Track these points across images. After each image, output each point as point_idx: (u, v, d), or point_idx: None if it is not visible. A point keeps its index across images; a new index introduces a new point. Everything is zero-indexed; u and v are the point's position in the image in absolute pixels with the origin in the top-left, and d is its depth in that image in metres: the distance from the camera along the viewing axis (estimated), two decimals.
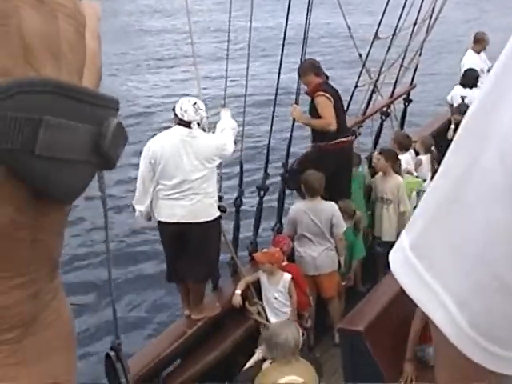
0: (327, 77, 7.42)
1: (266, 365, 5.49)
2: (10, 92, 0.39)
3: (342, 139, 7.32)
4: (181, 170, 5.95)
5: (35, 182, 0.41)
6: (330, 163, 7.19)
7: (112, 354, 2.00)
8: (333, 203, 6.87)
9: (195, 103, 6.01)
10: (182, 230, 6.07)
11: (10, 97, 0.39)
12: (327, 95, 7.13)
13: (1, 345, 0.43)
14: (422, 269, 0.65)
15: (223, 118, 6.36)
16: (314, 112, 7.23)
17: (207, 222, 6.07)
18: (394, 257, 0.70)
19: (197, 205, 6.02)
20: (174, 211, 6.03)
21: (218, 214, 6.17)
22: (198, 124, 5.99)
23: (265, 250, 6.64)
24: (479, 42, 10.78)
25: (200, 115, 5.98)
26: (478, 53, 10.73)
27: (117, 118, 0.46)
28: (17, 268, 0.42)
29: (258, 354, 5.46)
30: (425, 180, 8.42)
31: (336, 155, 7.29)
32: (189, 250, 6.14)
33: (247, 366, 5.84)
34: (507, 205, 0.59)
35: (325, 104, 7.12)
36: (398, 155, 7.85)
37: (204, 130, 6.09)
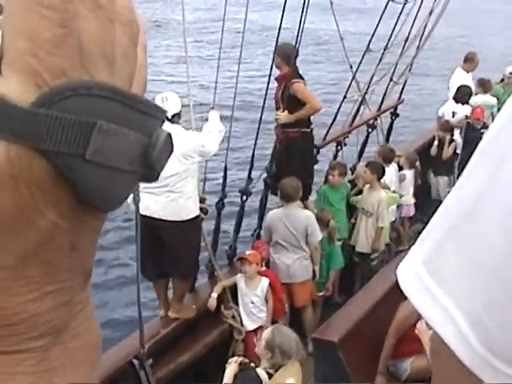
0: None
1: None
2: (66, 94, 0.38)
3: (311, 127, 7.53)
4: None
5: (82, 188, 0.40)
6: (297, 149, 7.39)
7: (136, 362, 2.00)
8: (309, 212, 6.89)
9: (165, 97, 6.00)
10: (156, 225, 6.03)
11: (65, 98, 0.38)
12: (302, 81, 7.25)
13: (29, 352, 0.42)
14: (434, 285, 0.63)
15: (211, 120, 6.34)
16: (290, 98, 7.20)
17: (182, 221, 6.03)
18: (403, 272, 0.67)
19: (171, 203, 5.98)
20: (149, 205, 5.97)
21: (194, 214, 6.11)
22: (168, 118, 5.90)
23: (248, 252, 6.61)
24: (469, 62, 10.85)
25: (165, 108, 5.88)
26: (468, 72, 10.80)
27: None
28: (53, 274, 0.42)
29: (234, 367, 5.27)
30: (401, 196, 8.50)
31: (303, 142, 7.49)
32: (165, 247, 6.12)
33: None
34: None
35: (304, 88, 7.27)
36: (384, 169, 7.89)
37: (189, 125, 6.04)
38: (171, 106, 5.94)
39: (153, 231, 6.04)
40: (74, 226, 0.42)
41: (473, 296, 0.61)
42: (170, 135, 0.45)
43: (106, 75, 0.41)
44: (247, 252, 6.60)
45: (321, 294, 7.27)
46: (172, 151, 0.46)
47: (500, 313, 0.60)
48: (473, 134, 9.25)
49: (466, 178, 0.66)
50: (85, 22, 0.40)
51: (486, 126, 9.07)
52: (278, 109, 7.39)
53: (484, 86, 10.59)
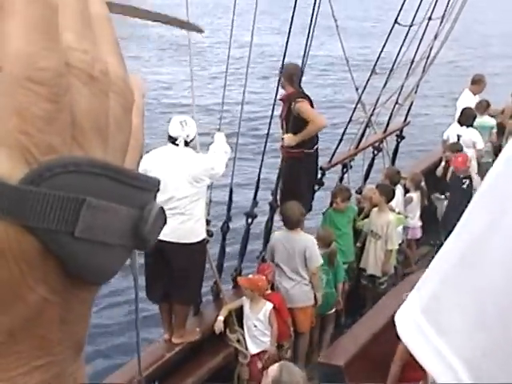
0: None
1: None
2: (55, 171, 0.38)
3: (315, 147, 7.57)
4: (167, 187, 5.93)
5: (71, 264, 0.40)
6: (303, 169, 7.48)
7: None
8: (310, 236, 6.85)
9: (184, 120, 6.03)
10: (164, 248, 6.01)
11: (54, 175, 0.38)
12: (305, 101, 7.28)
13: None
14: (434, 334, 0.62)
15: (217, 141, 6.35)
16: (294, 119, 7.24)
17: (190, 244, 6.03)
18: (401, 319, 0.67)
19: (181, 225, 5.97)
20: None
21: (202, 236, 6.13)
22: (186, 142, 5.96)
23: (250, 275, 6.60)
24: (477, 84, 10.86)
25: (186, 132, 5.95)
26: (475, 94, 10.80)
27: (156, 199, 0.45)
28: (43, 348, 0.41)
29: None
30: (406, 217, 8.48)
31: (308, 161, 7.57)
32: (173, 271, 6.10)
33: None
34: None
35: (307, 107, 7.28)
36: (394, 192, 7.90)
37: (194, 149, 6.09)
38: (191, 129, 5.99)
39: (161, 254, 6.03)
40: (64, 300, 0.41)
41: (473, 344, 0.60)
42: (162, 208, 0.45)
43: (98, 148, 0.41)
44: (249, 276, 6.59)
45: (332, 311, 7.24)
46: (165, 222, 0.46)
47: (502, 358, 0.59)
48: (455, 183, 8.93)
49: (464, 223, 0.65)
50: (78, 96, 0.40)
51: (468, 177, 8.84)
52: (282, 128, 7.41)
53: (481, 107, 10.53)
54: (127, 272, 0.48)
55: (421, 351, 0.63)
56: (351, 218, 7.95)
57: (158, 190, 0.46)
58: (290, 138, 7.30)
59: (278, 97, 7.43)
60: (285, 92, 7.41)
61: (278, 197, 7.54)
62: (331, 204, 7.95)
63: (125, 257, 0.43)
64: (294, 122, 7.25)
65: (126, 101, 0.43)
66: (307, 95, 7.42)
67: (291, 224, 6.73)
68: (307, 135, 7.29)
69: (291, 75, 7.29)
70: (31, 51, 0.38)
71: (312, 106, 7.40)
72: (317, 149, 7.65)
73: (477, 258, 0.61)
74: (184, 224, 5.98)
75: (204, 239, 6.19)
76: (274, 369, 5.12)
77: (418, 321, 0.64)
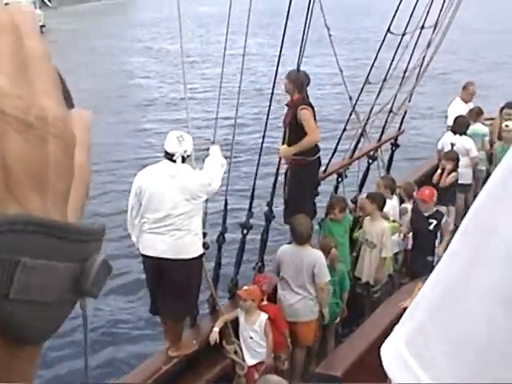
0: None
1: None
2: None
3: (317, 155, 7.61)
4: (164, 204, 5.90)
5: (8, 327, 0.38)
6: (305, 177, 7.52)
7: None
8: (319, 252, 6.82)
9: (180, 136, 5.98)
10: (162, 265, 6.01)
11: None
12: (310, 109, 7.30)
13: None
14: (418, 368, 0.62)
15: (212, 154, 6.32)
16: (297, 126, 7.28)
17: (189, 259, 6.00)
18: (387, 352, 0.67)
19: (178, 241, 5.95)
20: (156, 245, 5.98)
21: (199, 252, 6.10)
22: (183, 158, 5.94)
23: (245, 287, 6.59)
24: (466, 90, 10.87)
25: (183, 147, 5.90)
26: (466, 102, 10.81)
27: (101, 248, 0.43)
28: None
29: None
30: (401, 225, 8.44)
31: (311, 169, 7.60)
32: (169, 286, 6.07)
33: None
34: (509, 305, 0.57)
35: (309, 117, 7.30)
36: (385, 199, 7.88)
37: (189, 163, 6.06)
38: (188, 145, 5.94)
39: (161, 272, 6.06)
40: (5, 362, 0.39)
41: (456, 379, 0.60)
42: (105, 261, 0.42)
43: (36, 198, 0.39)
44: (244, 287, 6.56)
45: (336, 321, 7.26)
46: (110, 272, 0.43)
47: None
48: (420, 223, 8.03)
49: (447, 259, 0.65)
50: (11, 144, 0.38)
51: (433, 216, 7.93)
52: (285, 133, 7.41)
53: (473, 114, 10.51)
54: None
55: (404, 383, 0.63)
56: (347, 228, 7.94)
57: (103, 236, 0.43)
58: (285, 150, 7.32)
59: (285, 102, 7.50)
60: (290, 98, 7.43)
61: (283, 206, 7.69)
62: (326, 214, 7.94)
63: (66, 311, 0.42)
64: (294, 127, 7.30)
65: (67, 143, 0.41)
66: (311, 105, 7.46)
67: (301, 239, 6.70)
68: (301, 148, 7.32)
69: (301, 82, 7.36)
70: None
71: (315, 116, 7.43)
72: (319, 157, 7.70)
73: (458, 294, 0.61)
74: (181, 240, 5.96)
75: (201, 255, 6.15)
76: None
77: (403, 354, 0.64)
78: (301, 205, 7.36)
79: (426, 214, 7.87)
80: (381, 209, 7.76)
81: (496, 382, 0.58)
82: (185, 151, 5.92)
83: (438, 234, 7.88)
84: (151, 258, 6.03)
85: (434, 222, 7.84)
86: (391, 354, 0.66)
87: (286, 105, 7.53)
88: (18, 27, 0.40)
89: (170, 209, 5.89)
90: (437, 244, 7.82)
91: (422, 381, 0.62)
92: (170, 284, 6.05)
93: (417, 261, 7.88)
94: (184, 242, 5.97)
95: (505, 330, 0.57)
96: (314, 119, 7.41)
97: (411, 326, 0.65)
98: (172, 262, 5.96)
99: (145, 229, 6.00)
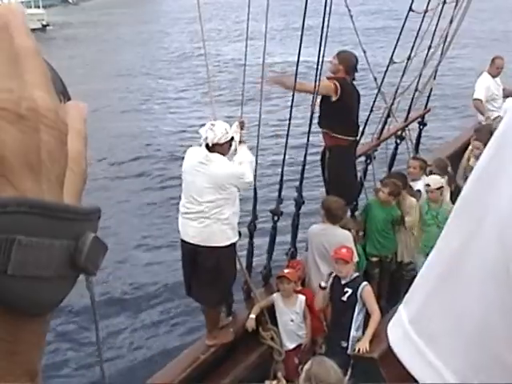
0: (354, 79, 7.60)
1: None
2: None
3: (356, 137, 7.70)
4: (193, 190, 5.98)
5: (9, 300, 0.41)
6: (349, 158, 7.66)
7: None
8: (347, 232, 6.82)
9: (213, 123, 6.02)
10: (193, 250, 6.09)
11: None
12: (336, 84, 7.25)
13: None
14: (422, 344, 0.64)
15: (240, 152, 6.31)
16: (324, 95, 7.34)
17: (218, 247, 6.04)
18: (392, 331, 0.69)
19: (206, 229, 6.00)
20: (187, 230, 6.08)
21: (230, 241, 6.12)
22: (207, 145, 5.92)
23: (286, 270, 6.58)
24: (491, 65, 10.70)
25: (209, 134, 5.89)
26: (493, 76, 10.67)
27: (97, 227, 0.45)
28: None
29: None
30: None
31: (352, 150, 7.70)
32: (200, 272, 6.15)
33: None
34: (501, 281, 0.58)
35: (328, 84, 7.27)
36: (405, 176, 7.92)
37: (222, 154, 6.01)
38: (213, 134, 5.91)
39: (190, 256, 6.14)
40: (9, 334, 0.42)
41: (459, 356, 0.62)
42: (96, 237, 0.45)
43: (31, 183, 0.42)
44: (285, 270, 6.57)
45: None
46: (106, 249, 0.46)
47: (485, 372, 0.60)
48: (335, 291, 6.44)
49: (443, 240, 0.67)
50: (5, 135, 0.40)
51: (350, 284, 6.29)
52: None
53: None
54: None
55: (410, 361, 0.65)
56: (389, 220, 7.66)
57: (99, 217, 0.46)
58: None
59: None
60: (335, 75, 7.45)
61: (324, 188, 7.74)
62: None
63: (66, 286, 0.44)
64: (327, 105, 7.36)
65: (59, 131, 0.44)
66: (355, 89, 7.52)
67: (334, 218, 6.73)
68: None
69: (351, 64, 7.40)
70: None
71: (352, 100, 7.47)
72: (356, 138, 7.79)
73: (454, 274, 0.62)
74: (209, 227, 6.00)
75: (233, 243, 6.17)
76: (308, 363, 5.08)
77: (408, 331, 0.66)
78: (347, 186, 7.40)
79: (342, 282, 6.33)
80: (404, 187, 7.70)
81: (492, 355, 0.59)
82: (207, 138, 5.90)
83: (357, 307, 6.26)
84: (184, 242, 6.12)
85: (350, 291, 6.30)
86: (396, 332, 0.68)
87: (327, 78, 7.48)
88: (7, 25, 0.43)
89: (197, 195, 5.95)
90: (358, 321, 6.25)
91: (427, 357, 0.64)
92: (201, 270, 6.13)
93: (332, 344, 6.43)
94: (212, 230, 6.00)
95: (498, 306, 0.59)
96: (352, 105, 7.44)
97: (414, 305, 0.68)
98: (201, 249, 6.03)
99: (181, 212, 6.12)
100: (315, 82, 7.07)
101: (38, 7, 39.21)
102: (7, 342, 0.42)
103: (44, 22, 34.86)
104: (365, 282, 6.35)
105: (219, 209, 5.97)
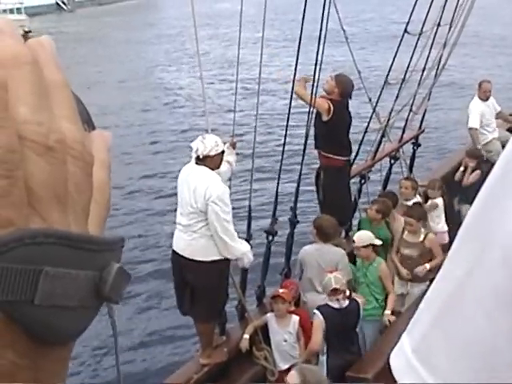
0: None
1: None
2: (11, 245, 0.39)
3: (350, 157, 7.84)
4: (182, 202, 6.01)
5: (35, 329, 0.41)
6: (343, 179, 7.76)
7: None
8: (342, 250, 6.82)
9: (204, 136, 6.02)
10: (181, 262, 6.11)
11: (10, 250, 0.39)
12: (330, 104, 7.41)
13: None
14: (425, 373, 0.64)
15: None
16: (317, 115, 7.47)
17: (203, 262, 6.00)
18: (395, 359, 0.69)
19: (193, 242, 6.00)
20: (178, 241, 6.12)
21: (216, 257, 6.03)
22: (198, 157, 5.90)
23: (281, 290, 6.56)
24: (479, 89, 10.65)
25: (199, 146, 5.88)
26: (482, 100, 10.62)
27: (120, 257, 0.47)
28: None
29: None
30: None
31: (345, 169, 7.82)
32: (188, 285, 6.18)
33: None
34: (509, 306, 0.58)
35: (322, 103, 7.44)
36: (397, 198, 7.97)
37: (212, 167, 5.96)
38: (203, 146, 5.88)
39: (178, 267, 6.18)
40: (33, 362, 0.43)
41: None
42: (121, 267, 0.46)
43: (58, 214, 0.42)
44: (280, 290, 6.56)
45: None
46: (130, 278, 0.47)
47: None
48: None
49: (447, 265, 0.67)
50: (33, 167, 0.41)
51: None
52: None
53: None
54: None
55: None
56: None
57: (122, 246, 0.47)
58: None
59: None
60: (328, 95, 7.57)
61: (319, 208, 7.83)
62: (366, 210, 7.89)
63: (90, 315, 0.45)
64: (319, 124, 7.49)
65: (85, 163, 0.45)
66: (348, 113, 7.65)
67: (326, 237, 6.73)
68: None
69: (347, 93, 7.58)
70: None
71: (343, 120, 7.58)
72: (349, 158, 7.93)
73: (459, 301, 0.62)
74: (196, 241, 5.99)
75: (224, 259, 6.12)
76: (293, 375, 4.98)
77: (410, 360, 0.66)
78: (341, 207, 7.44)
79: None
80: (393, 205, 7.75)
81: (501, 382, 0.59)
82: (197, 150, 5.88)
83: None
84: (174, 253, 6.17)
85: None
86: (400, 360, 0.68)
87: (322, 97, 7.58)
88: (37, 59, 0.44)
89: (185, 208, 5.98)
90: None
91: None
92: (188, 283, 6.16)
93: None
94: (199, 244, 5.99)
95: (506, 331, 0.59)
96: (342, 125, 7.56)
97: (417, 333, 0.67)
98: (188, 262, 6.03)
99: (176, 223, 6.16)
100: (311, 94, 7.16)
101: (21, 13, 39.03)
102: (31, 370, 0.42)
103: (26, 29, 34.68)
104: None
105: (204, 223, 5.95)
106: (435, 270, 7.15)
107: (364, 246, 6.90)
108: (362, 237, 6.98)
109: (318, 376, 4.94)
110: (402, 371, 0.68)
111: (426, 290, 0.72)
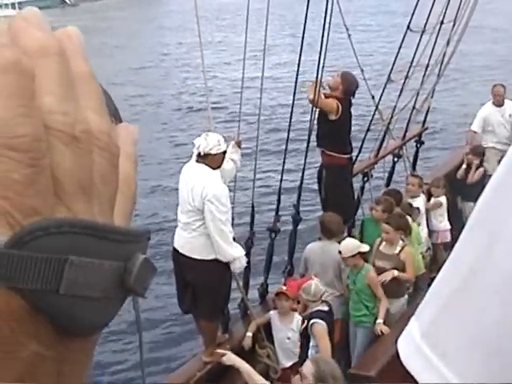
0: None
1: None
2: (36, 234, 0.39)
3: (351, 154, 7.88)
4: (182, 200, 6.01)
5: (59, 319, 0.41)
6: (345, 177, 7.77)
7: None
8: None
9: (207, 134, 6.03)
10: (181, 261, 6.11)
11: (35, 238, 0.39)
12: (338, 104, 7.40)
13: None
14: (435, 358, 0.63)
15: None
16: (321, 114, 7.45)
17: (202, 260, 6.00)
18: (403, 344, 0.68)
19: (192, 240, 6.00)
20: (178, 238, 6.13)
21: (214, 256, 6.01)
22: (199, 154, 5.90)
23: (284, 287, 6.54)
24: (493, 93, 10.35)
25: (201, 144, 5.88)
26: (497, 105, 10.34)
27: (146, 249, 0.46)
28: None
29: None
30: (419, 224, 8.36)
31: (347, 167, 7.82)
32: (188, 283, 6.18)
33: None
34: None
35: (331, 102, 7.41)
36: (401, 196, 7.95)
37: (213, 166, 5.95)
38: (205, 143, 5.87)
39: (179, 265, 6.19)
40: (57, 353, 0.42)
41: (474, 369, 0.61)
42: (147, 259, 0.45)
43: (83, 204, 0.42)
44: (284, 287, 6.55)
45: None
46: (155, 271, 0.47)
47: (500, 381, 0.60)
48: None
49: (458, 252, 0.66)
50: (59, 156, 0.41)
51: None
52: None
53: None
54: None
55: (422, 373, 0.64)
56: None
57: (149, 238, 0.47)
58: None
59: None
60: (332, 92, 7.57)
61: (321, 206, 7.80)
62: (371, 209, 7.87)
63: (114, 306, 0.45)
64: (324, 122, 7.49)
65: (111, 154, 0.45)
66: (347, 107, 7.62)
67: (330, 234, 6.74)
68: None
69: (351, 91, 7.56)
70: (8, 119, 0.39)
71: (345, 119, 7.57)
72: (351, 156, 7.93)
73: (471, 287, 0.62)
74: (195, 239, 5.99)
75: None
76: (308, 365, 4.92)
77: (420, 346, 0.65)
78: (343, 204, 7.45)
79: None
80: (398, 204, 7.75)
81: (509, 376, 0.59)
82: (199, 147, 5.88)
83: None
84: (174, 249, 6.18)
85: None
86: (407, 345, 0.68)
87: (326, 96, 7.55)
88: (64, 50, 0.44)
89: (184, 206, 5.99)
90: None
91: (440, 369, 0.63)
92: (189, 281, 6.16)
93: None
94: (197, 242, 5.99)
95: None
96: (345, 124, 7.55)
97: (426, 318, 0.67)
98: (187, 259, 6.04)
99: (178, 221, 6.18)
100: (314, 95, 7.13)
101: (14, 8, 39.17)
102: (55, 361, 0.42)
103: None
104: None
105: (203, 222, 5.93)
106: (404, 283, 7.00)
107: (352, 256, 6.59)
108: (349, 246, 6.61)
109: (333, 367, 4.89)
110: (410, 357, 0.67)
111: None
